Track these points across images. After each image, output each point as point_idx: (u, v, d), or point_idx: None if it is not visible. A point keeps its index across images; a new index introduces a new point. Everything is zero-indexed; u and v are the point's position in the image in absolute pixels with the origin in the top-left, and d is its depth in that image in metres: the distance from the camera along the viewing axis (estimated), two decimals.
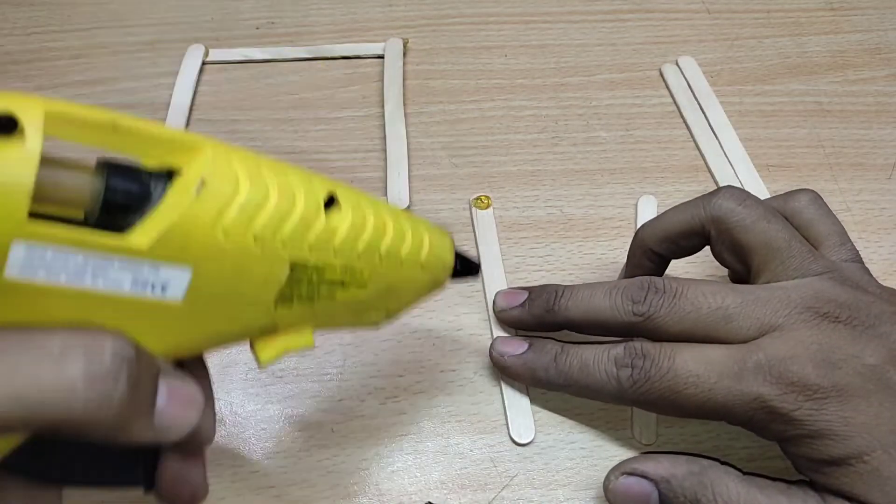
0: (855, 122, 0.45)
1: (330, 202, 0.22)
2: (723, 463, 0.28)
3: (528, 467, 0.32)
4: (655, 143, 0.44)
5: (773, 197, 0.33)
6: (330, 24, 0.51)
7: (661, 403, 0.28)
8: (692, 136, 0.44)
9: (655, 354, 0.28)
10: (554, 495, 0.31)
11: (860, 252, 0.31)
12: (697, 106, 0.46)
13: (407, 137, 0.44)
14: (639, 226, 0.34)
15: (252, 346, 0.23)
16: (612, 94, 0.47)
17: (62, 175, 0.17)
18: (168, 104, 0.45)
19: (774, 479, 0.27)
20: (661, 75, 0.47)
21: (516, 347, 0.32)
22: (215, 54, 0.48)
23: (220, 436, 0.32)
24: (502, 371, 0.33)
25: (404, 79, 0.47)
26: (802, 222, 0.31)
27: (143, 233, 0.18)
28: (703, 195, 0.31)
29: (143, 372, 0.19)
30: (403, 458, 0.32)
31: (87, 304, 0.18)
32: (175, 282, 0.19)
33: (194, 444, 0.23)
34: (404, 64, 0.48)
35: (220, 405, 0.33)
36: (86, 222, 0.18)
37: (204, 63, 0.48)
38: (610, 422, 0.33)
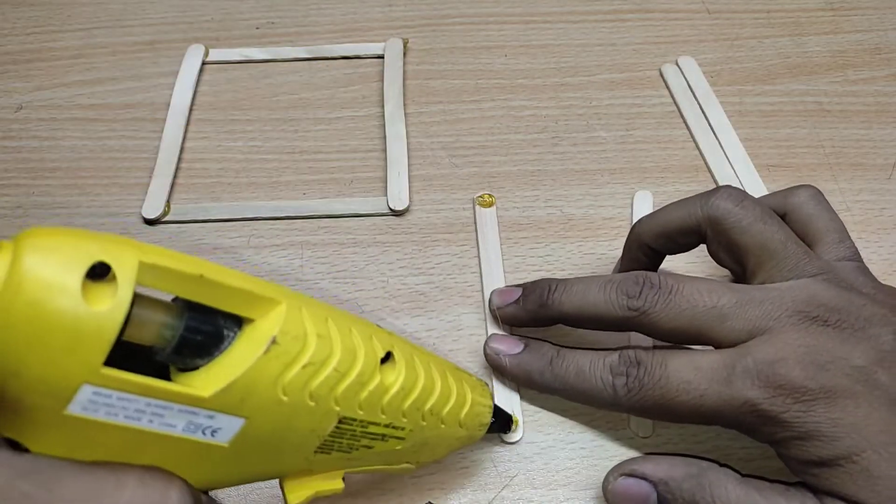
0: (855, 122, 0.45)
1: (386, 358, 0.23)
2: (721, 465, 0.28)
3: (528, 467, 0.32)
4: (655, 143, 0.44)
5: (774, 192, 0.33)
6: (330, 24, 0.51)
7: (655, 410, 0.28)
8: (692, 136, 0.44)
9: (648, 362, 0.28)
10: (554, 495, 0.31)
11: (860, 252, 0.31)
12: (697, 106, 0.46)
13: (407, 137, 0.44)
14: (634, 221, 0.34)
15: (281, 485, 0.23)
16: (612, 94, 0.47)
17: (144, 315, 0.17)
18: (168, 104, 0.45)
19: (773, 482, 0.27)
20: (661, 75, 0.47)
21: (512, 347, 0.32)
22: (215, 54, 0.48)
23: None
24: (496, 369, 0.33)
25: (404, 79, 0.47)
26: (802, 217, 0.31)
27: (208, 382, 0.18)
28: (702, 193, 0.31)
29: None
30: None
31: (136, 440, 0.18)
32: (226, 428, 0.19)
33: None
34: (404, 64, 0.48)
35: None
36: (153, 353, 0.18)
37: (204, 63, 0.48)
38: (610, 422, 0.33)
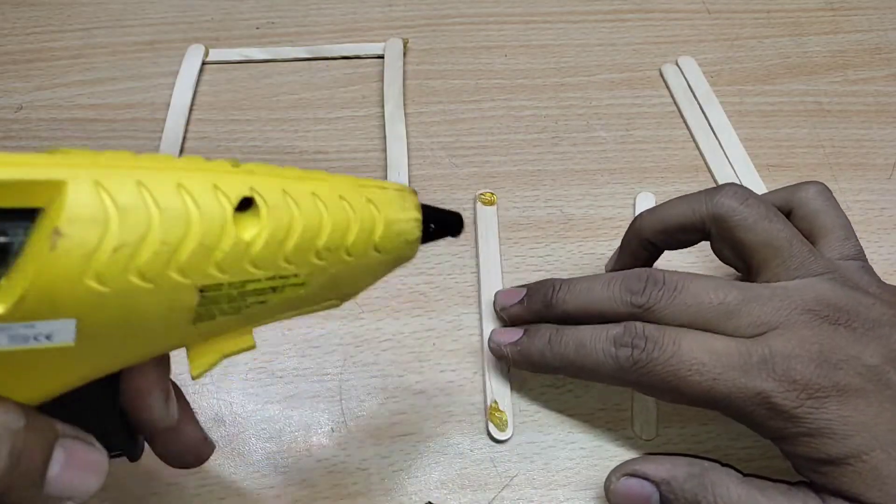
0: (855, 122, 0.45)
1: (246, 203, 0.19)
2: (724, 465, 0.28)
3: (528, 467, 0.32)
4: (655, 143, 0.44)
5: (782, 188, 0.33)
6: (330, 24, 0.51)
7: (661, 387, 0.28)
8: (692, 136, 0.44)
9: (660, 337, 0.28)
10: (554, 495, 0.31)
11: None
12: (697, 106, 0.46)
13: (407, 137, 0.44)
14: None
15: (187, 355, 0.21)
16: (612, 94, 0.47)
17: None
18: (168, 104, 0.45)
19: (776, 481, 0.27)
20: (661, 75, 0.47)
21: (512, 336, 0.32)
22: (215, 54, 0.48)
23: (221, 436, 0.32)
24: (500, 359, 0.33)
25: (404, 79, 0.47)
26: (808, 213, 0.31)
27: (3, 296, 0.16)
28: (706, 190, 0.31)
29: (31, 442, 0.18)
30: (403, 458, 0.32)
31: None
32: (60, 331, 0.17)
33: (158, 432, 0.23)
34: (404, 64, 0.48)
35: (221, 405, 0.33)
36: None
37: (204, 63, 0.48)
38: (610, 422, 0.33)
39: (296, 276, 0.21)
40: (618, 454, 0.32)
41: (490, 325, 0.35)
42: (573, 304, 0.31)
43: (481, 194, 0.41)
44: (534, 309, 0.32)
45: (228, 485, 0.31)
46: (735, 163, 0.42)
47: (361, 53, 0.49)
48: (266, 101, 0.46)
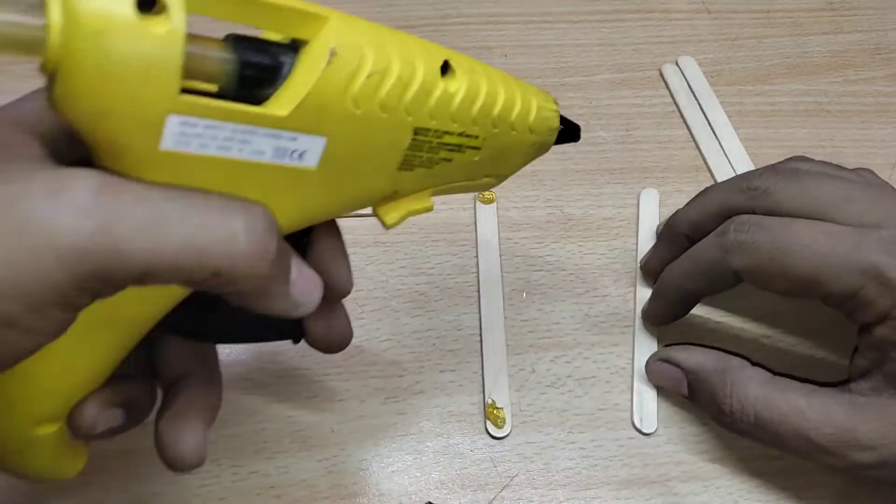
0: (855, 122, 0.45)
1: (445, 69, 0.23)
2: (754, 364, 0.28)
3: (528, 467, 0.32)
4: (655, 143, 0.44)
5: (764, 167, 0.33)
6: None
7: (764, 266, 0.28)
8: (692, 136, 0.44)
9: (767, 222, 0.28)
10: (554, 495, 0.31)
11: None
12: (697, 106, 0.46)
13: None
14: (640, 220, 0.37)
15: (376, 212, 0.24)
16: (612, 94, 0.47)
17: (201, 50, 0.18)
18: None
19: (802, 380, 0.28)
20: (661, 75, 0.47)
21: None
22: None
23: (220, 436, 0.32)
24: (649, 322, 0.35)
25: None
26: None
27: (282, 103, 0.19)
28: (737, 177, 0.32)
29: (282, 241, 0.20)
30: (403, 458, 0.32)
31: (233, 174, 0.19)
32: (311, 149, 0.20)
33: (334, 298, 0.25)
34: None
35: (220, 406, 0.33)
36: (222, 95, 0.18)
37: None
38: (610, 422, 0.33)
39: (476, 138, 0.24)
40: (618, 454, 0.32)
41: (488, 323, 0.35)
42: (693, 209, 0.32)
43: (481, 194, 0.41)
44: (663, 239, 0.35)
45: (228, 485, 0.31)
46: (735, 163, 0.42)
47: None
48: None
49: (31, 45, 0.16)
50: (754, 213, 0.29)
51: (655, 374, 0.32)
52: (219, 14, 0.18)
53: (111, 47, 0.16)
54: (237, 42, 0.19)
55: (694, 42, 0.50)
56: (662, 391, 0.33)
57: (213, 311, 0.23)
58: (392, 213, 0.24)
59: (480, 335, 0.35)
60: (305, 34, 0.19)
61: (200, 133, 0.18)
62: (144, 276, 0.18)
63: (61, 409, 0.22)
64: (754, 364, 0.29)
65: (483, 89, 0.24)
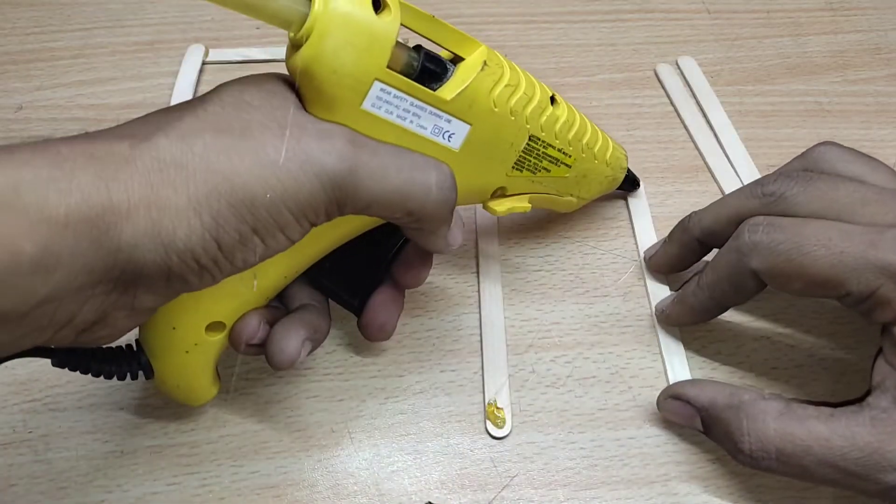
0: (855, 122, 0.45)
1: (552, 99, 0.31)
2: (766, 397, 0.28)
3: (528, 467, 0.32)
4: (655, 143, 0.44)
5: (793, 160, 0.33)
6: None
7: (781, 266, 0.28)
8: (691, 136, 0.44)
9: (783, 222, 0.28)
10: (554, 495, 0.31)
11: None
12: (697, 106, 0.46)
13: None
14: (633, 218, 0.39)
15: (486, 205, 0.32)
16: (612, 94, 0.47)
17: (401, 47, 0.25)
18: (168, 104, 0.45)
19: (818, 404, 0.27)
20: (657, 75, 0.47)
21: (669, 297, 0.35)
22: (215, 54, 0.48)
23: (220, 436, 0.32)
24: (668, 323, 0.35)
25: None
26: (828, 167, 0.31)
27: (447, 91, 0.26)
28: (752, 183, 0.31)
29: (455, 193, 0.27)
30: (403, 458, 0.32)
31: (404, 137, 0.26)
32: (458, 133, 0.27)
33: (442, 251, 0.29)
34: None
35: (221, 405, 0.33)
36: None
37: (204, 63, 0.48)
38: (610, 422, 0.33)
39: (569, 157, 0.33)
40: (618, 454, 0.32)
41: (488, 323, 0.35)
42: (708, 216, 0.33)
43: None
44: (674, 238, 0.35)
45: (228, 485, 0.31)
46: (735, 163, 0.42)
47: None
48: None
49: (291, 18, 0.23)
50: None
51: (668, 412, 0.32)
52: (416, 27, 0.26)
53: (354, 25, 0.23)
54: (422, 49, 0.27)
55: (694, 42, 0.50)
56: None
57: (328, 270, 0.30)
58: (501, 205, 0.32)
59: (480, 335, 0.35)
60: (464, 53, 0.28)
61: (390, 101, 0.25)
62: (366, 208, 0.24)
63: (234, 313, 0.28)
64: (767, 396, 0.28)
65: (577, 121, 0.32)
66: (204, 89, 0.46)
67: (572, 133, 0.32)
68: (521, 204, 0.32)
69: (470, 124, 0.27)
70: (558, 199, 0.34)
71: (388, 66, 0.24)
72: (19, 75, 0.47)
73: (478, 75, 0.27)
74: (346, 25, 0.23)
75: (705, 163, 0.43)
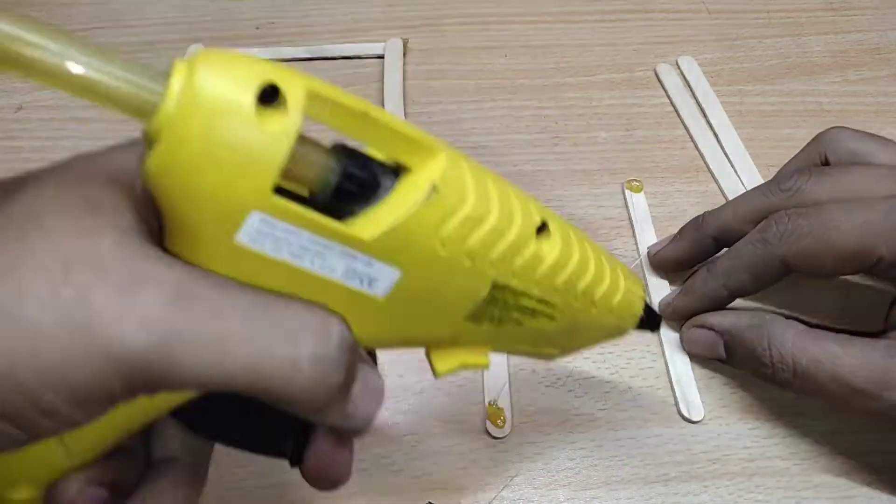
0: (855, 122, 0.45)
1: (541, 229, 0.22)
2: (788, 317, 0.29)
3: (528, 467, 0.32)
4: (655, 143, 0.44)
5: (802, 150, 0.35)
6: (330, 24, 0.51)
7: (811, 248, 0.28)
8: (691, 136, 0.44)
9: (804, 212, 0.29)
10: (554, 495, 0.31)
11: None
12: (697, 106, 0.46)
13: None
14: (633, 215, 0.38)
15: (428, 354, 0.23)
16: (612, 94, 0.47)
17: (306, 153, 0.17)
18: None
19: (838, 331, 0.28)
20: (656, 75, 0.47)
21: (672, 293, 0.35)
22: None
23: None
24: (673, 316, 0.34)
25: (404, 79, 0.47)
26: (845, 152, 0.32)
27: (369, 225, 0.18)
28: (768, 182, 0.32)
29: (354, 360, 0.19)
30: (403, 458, 0.32)
31: (297, 282, 0.18)
32: (383, 279, 0.19)
33: (350, 432, 0.22)
34: (404, 64, 0.48)
35: None
36: (310, 201, 0.18)
37: None
38: (611, 422, 0.33)
39: (553, 307, 0.23)
40: (618, 454, 0.32)
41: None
42: (724, 215, 0.33)
43: None
44: (686, 236, 0.35)
45: (229, 485, 0.31)
46: (735, 163, 0.42)
47: (361, 53, 0.49)
48: None
49: (141, 107, 0.16)
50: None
51: (690, 341, 0.33)
52: (335, 124, 0.18)
53: (221, 132, 0.15)
54: (344, 152, 0.18)
55: (694, 42, 0.50)
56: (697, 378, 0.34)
57: (220, 410, 0.21)
58: (446, 361, 0.23)
59: None
60: (411, 162, 0.19)
61: (278, 235, 0.17)
62: (193, 387, 0.17)
63: (44, 479, 0.20)
64: (787, 318, 0.30)
65: (574, 260, 0.23)
66: None
67: (562, 277, 0.22)
68: (475, 360, 0.23)
69: (401, 269, 0.19)
70: (531, 351, 0.25)
71: (282, 184, 0.16)
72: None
73: (419, 209, 0.18)
74: (210, 129, 0.15)
75: (705, 163, 0.43)
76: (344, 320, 0.19)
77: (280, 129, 0.16)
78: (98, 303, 0.16)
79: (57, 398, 0.16)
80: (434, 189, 0.18)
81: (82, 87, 0.15)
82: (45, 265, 0.16)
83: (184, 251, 0.17)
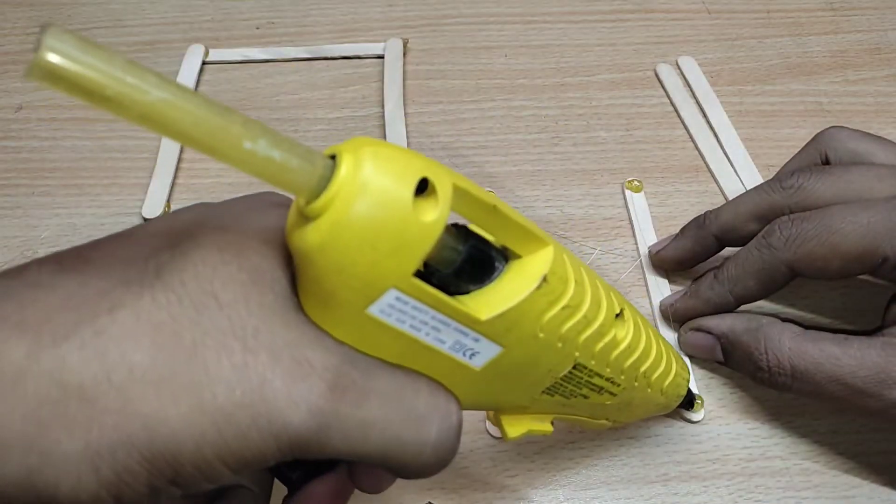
0: (855, 122, 0.45)
1: (619, 314, 0.24)
2: (785, 320, 0.29)
3: (529, 467, 0.32)
4: (655, 143, 0.44)
5: (801, 149, 0.35)
6: (330, 24, 0.51)
7: (815, 251, 0.29)
8: (691, 136, 0.44)
9: (808, 216, 0.29)
10: (554, 495, 0.31)
11: None
12: (696, 105, 0.46)
13: (407, 137, 0.44)
14: (632, 214, 0.38)
15: (497, 418, 0.24)
16: (612, 94, 0.47)
17: (442, 239, 0.18)
18: None
19: (834, 331, 0.28)
20: (656, 75, 0.47)
21: (679, 293, 0.35)
22: (215, 54, 0.48)
23: None
24: (676, 318, 0.34)
25: (404, 79, 0.47)
26: (845, 152, 0.33)
27: (483, 307, 0.19)
28: (770, 181, 0.32)
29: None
30: None
31: (410, 349, 0.19)
32: (484, 353, 0.20)
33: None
34: (404, 64, 0.48)
35: None
36: (433, 273, 0.19)
37: (204, 63, 0.48)
38: None
39: (617, 386, 0.25)
40: (618, 454, 0.32)
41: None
42: (726, 214, 0.33)
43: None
44: (688, 234, 0.35)
45: None
46: (735, 163, 0.42)
47: (361, 53, 0.49)
48: (266, 101, 0.46)
49: (305, 186, 0.17)
50: (790, 211, 0.30)
51: (688, 344, 0.33)
52: (469, 215, 0.19)
53: (382, 218, 0.17)
54: (466, 235, 0.20)
55: (694, 42, 0.50)
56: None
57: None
58: (516, 427, 0.24)
59: None
60: (524, 251, 0.20)
61: (405, 311, 0.18)
62: (332, 458, 0.19)
63: None
64: (785, 320, 0.30)
65: (641, 345, 0.25)
66: (204, 90, 0.46)
67: (630, 360, 0.25)
68: (540, 427, 0.25)
69: (503, 347, 0.20)
70: (588, 422, 0.27)
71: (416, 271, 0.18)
72: (19, 75, 0.47)
73: (529, 295, 0.20)
74: (373, 215, 0.17)
75: (705, 163, 0.43)
76: (456, 399, 0.21)
77: (432, 220, 0.17)
78: (274, 390, 0.17)
79: (225, 469, 0.17)
80: (545, 280, 0.20)
81: (250, 164, 0.16)
82: (226, 346, 0.17)
83: (315, 310, 0.19)
